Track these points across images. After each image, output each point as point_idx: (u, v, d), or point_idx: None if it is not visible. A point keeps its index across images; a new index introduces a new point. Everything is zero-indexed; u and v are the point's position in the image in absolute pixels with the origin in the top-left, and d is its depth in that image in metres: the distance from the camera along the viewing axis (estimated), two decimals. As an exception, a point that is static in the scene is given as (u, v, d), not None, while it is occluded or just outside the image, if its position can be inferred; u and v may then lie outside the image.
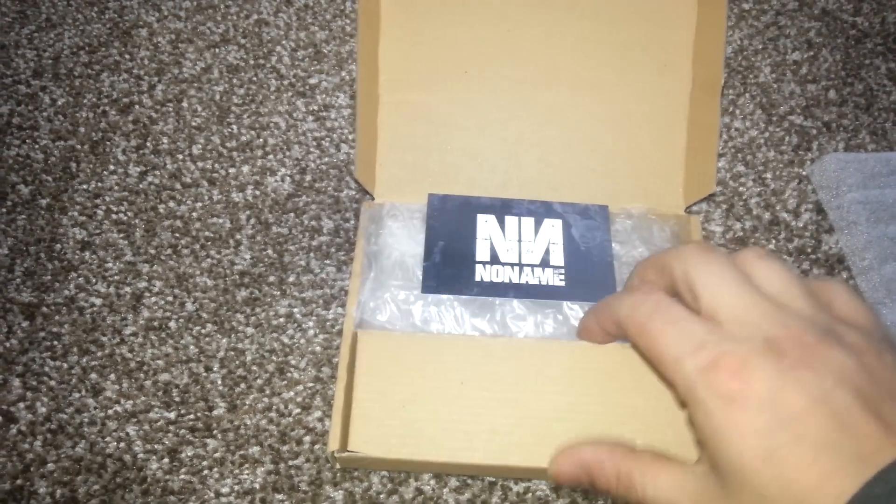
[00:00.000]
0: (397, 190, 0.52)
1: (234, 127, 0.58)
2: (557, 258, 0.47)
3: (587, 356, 0.46)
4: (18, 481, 0.45)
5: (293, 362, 0.49)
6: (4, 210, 0.55)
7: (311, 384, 0.48)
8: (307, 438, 0.47)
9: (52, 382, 0.48)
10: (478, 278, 0.46)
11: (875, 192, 0.55)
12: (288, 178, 0.56)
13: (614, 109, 0.52)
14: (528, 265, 0.47)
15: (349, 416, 0.43)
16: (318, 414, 0.47)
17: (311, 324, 0.50)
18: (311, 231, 0.54)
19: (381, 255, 0.49)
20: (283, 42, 0.62)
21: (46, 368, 0.49)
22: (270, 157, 0.57)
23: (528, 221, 0.48)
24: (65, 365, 0.49)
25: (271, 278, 0.52)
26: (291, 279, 0.52)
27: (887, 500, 0.23)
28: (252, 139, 0.58)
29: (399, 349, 0.45)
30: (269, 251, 0.53)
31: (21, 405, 0.47)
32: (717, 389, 0.27)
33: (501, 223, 0.48)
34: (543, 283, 0.46)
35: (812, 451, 0.25)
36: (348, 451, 0.42)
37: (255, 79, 0.61)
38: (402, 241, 0.50)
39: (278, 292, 0.51)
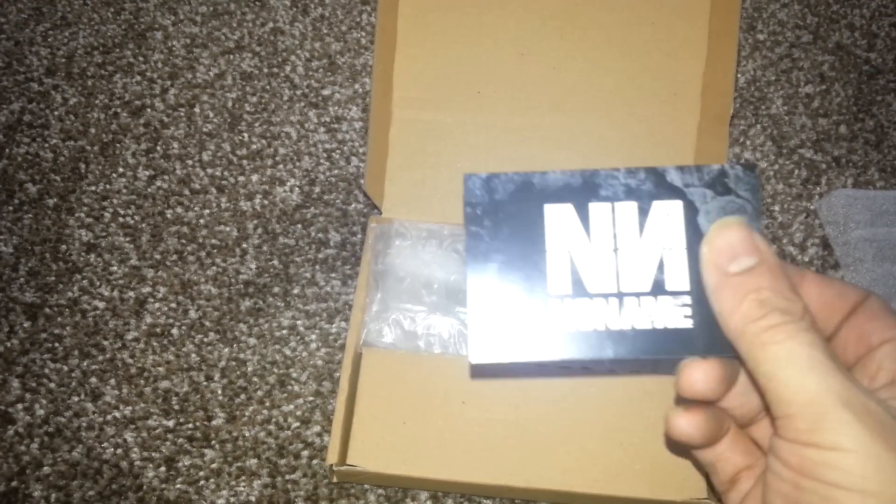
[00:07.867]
0: (405, 206, 0.52)
1: (245, 135, 0.58)
2: (677, 275, 0.28)
3: (588, 381, 0.46)
4: (14, 483, 0.45)
5: (294, 375, 0.49)
6: (11, 208, 0.55)
7: (311, 398, 0.48)
8: (305, 453, 0.46)
9: (52, 385, 0.48)
10: (555, 329, 0.28)
11: (882, 231, 0.55)
12: (297, 188, 0.56)
13: (623, 136, 0.52)
14: (632, 294, 0.28)
15: (349, 429, 0.43)
16: (317, 429, 0.47)
17: (313, 337, 0.50)
18: (318, 243, 0.54)
19: (387, 276, 0.49)
20: (298, 52, 0.62)
21: (46, 370, 0.49)
22: (280, 166, 0.57)
23: (628, 209, 0.29)
24: (65, 368, 0.49)
25: (276, 289, 0.52)
26: (296, 291, 0.52)
27: None
28: (262, 148, 0.58)
29: (402, 367, 0.45)
30: (275, 262, 0.53)
31: (19, 406, 0.47)
32: None
33: (584, 216, 0.29)
34: (658, 325, 0.28)
35: None
36: (347, 465, 0.42)
37: (268, 87, 0.61)
38: (409, 261, 0.50)
39: (282, 304, 0.51)
